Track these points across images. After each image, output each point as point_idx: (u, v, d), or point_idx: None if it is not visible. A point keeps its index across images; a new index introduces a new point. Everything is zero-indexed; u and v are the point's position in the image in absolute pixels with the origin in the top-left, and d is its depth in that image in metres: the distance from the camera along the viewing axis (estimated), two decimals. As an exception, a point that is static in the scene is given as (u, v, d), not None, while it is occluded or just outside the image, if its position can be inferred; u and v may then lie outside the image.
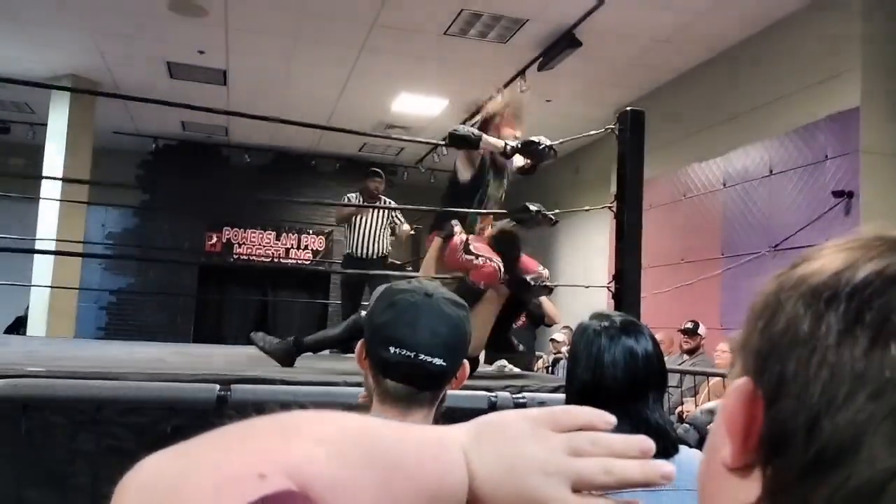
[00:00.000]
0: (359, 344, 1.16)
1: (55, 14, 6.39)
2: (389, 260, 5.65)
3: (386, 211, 5.47)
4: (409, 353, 1.08)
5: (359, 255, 5.43)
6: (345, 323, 3.43)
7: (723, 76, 6.45)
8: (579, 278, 8.25)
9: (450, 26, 6.28)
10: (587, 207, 3.83)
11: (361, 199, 5.50)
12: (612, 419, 0.47)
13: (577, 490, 0.44)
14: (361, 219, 5.45)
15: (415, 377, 1.10)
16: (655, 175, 6.49)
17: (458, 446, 0.46)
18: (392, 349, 1.08)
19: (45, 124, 8.11)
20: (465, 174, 3.38)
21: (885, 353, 0.33)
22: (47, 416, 1.70)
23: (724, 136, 6.29)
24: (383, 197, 5.59)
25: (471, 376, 3.33)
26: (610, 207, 3.05)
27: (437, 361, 1.09)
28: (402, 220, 5.65)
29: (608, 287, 3.03)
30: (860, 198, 4.88)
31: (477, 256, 3.08)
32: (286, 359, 3.00)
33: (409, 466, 0.44)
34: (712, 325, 5.92)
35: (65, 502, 1.62)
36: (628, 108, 3.06)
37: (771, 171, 5.74)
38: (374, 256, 5.43)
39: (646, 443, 0.45)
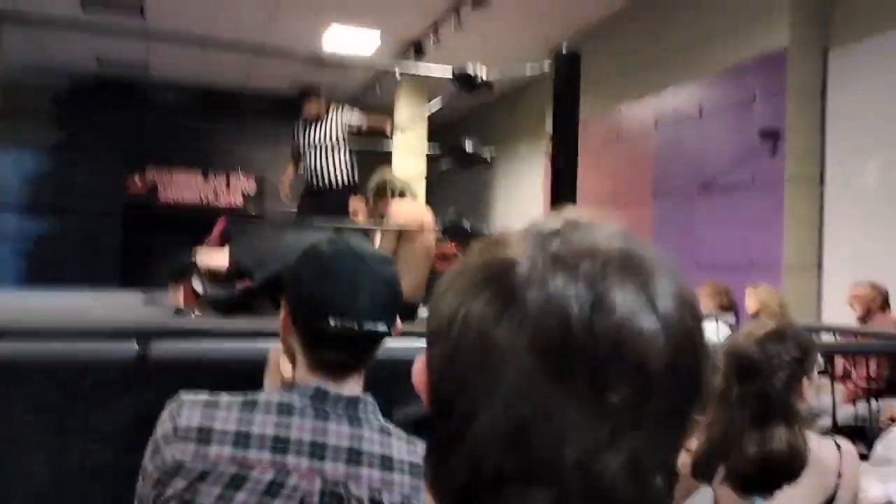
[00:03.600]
0: (282, 313, 1.09)
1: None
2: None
3: (334, 127, 4.80)
4: (351, 323, 1.02)
5: (316, 186, 4.83)
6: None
7: (656, 14, 6.44)
8: (515, 221, 8.31)
9: (381, -42, 6.04)
10: (522, 145, 3.80)
11: (303, 129, 4.95)
12: None
13: None
14: (308, 147, 4.86)
15: (357, 346, 1.05)
16: (589, 115, 6.51)
17: None
18: (332, 320, 1.01)
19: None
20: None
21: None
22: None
23: (657, 75, 6.32)
24: (334, 106, 4.96)
25: (410, 324, 3.30)
26: (545, 151, 3.03)
27: (381, 328, 1.05)
28: (360, 119, 4.94)
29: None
30: (786, 137, 5.01)
31: None
32: (224, 307, 2.92)
33: None
34: (643, 264, 6.06)
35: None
36: (563, 48, 3.00)
37: (701, 113, 5.82)
38: (333, 186, 4.82)
39: None
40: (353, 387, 1.06)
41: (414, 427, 1.01)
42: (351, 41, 8.05)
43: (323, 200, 4.70)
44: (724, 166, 5.44)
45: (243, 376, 1.06)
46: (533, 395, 0.38)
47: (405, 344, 1.96)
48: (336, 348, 1.04)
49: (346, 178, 4.86)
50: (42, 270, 9.61)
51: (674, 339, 0.39)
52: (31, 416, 1.63)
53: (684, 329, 0.40)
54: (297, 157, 5.02)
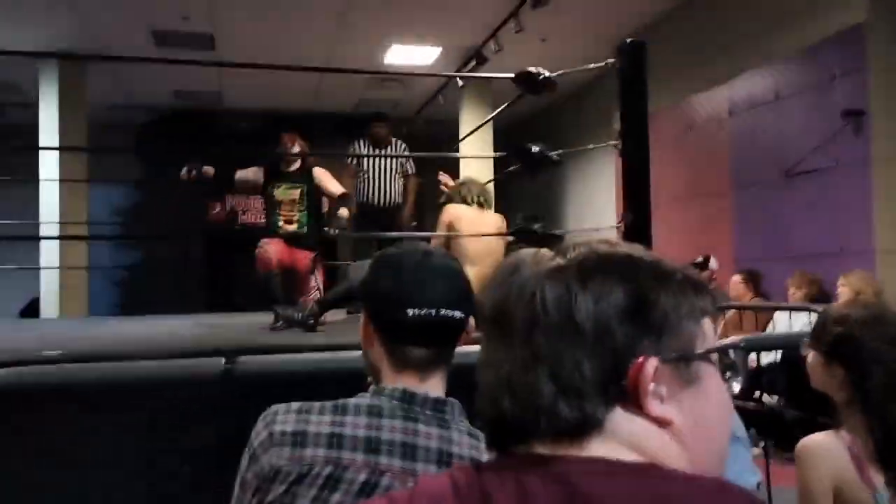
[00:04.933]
0: (361, 321, 1.12)
1: (33, -11, 6.24)
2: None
3: (395, 158, 5.15)
4: (429, 310, 1.05)
5: (371, 203, 5.11)
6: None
7: (721, 1, 6.25)
8: (587, 221, 8.19)
9: (437, -29, 6.09)
10: (591, 146, 3.74)
11: (370, 147, 5.19)
12: None
13: None
14: (370, 166, 5.15)
15: (436, 335, 1.07)
16: (659, 108, 6.37)
17: None
18: (410, 311, 1.05)
19: (36, 104, 8.01)
20: None
21: None
22: (58, 399, 1.68)
23: (727, 63, 6.12)
24: (396, 140, 5.27)
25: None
26: (615, 145, 2.96)
27: (458, 314, 1.08)
28: (412, 167, 5.29)
29: (617, 227, 2.96)
30: (871, 116, 4.75)
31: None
32: (308, 325, 2.98)
33: None
34: (725, 257, 5.86)
35: (81, 483, 1.61)
36: (628, 40, 2.94)
37: (777, 96, 5.60)
38: (387, 205, 5.13)
39: None
40: (436, 385, 1.07)
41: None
42: (411, 57, 8.14)
43: (379, 218, 4.97)
44: (805, 151, 5.21)
45: (326, 389, 1.07)
46: None
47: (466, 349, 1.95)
48: (417, 341, 1.06)
49: (398, 199, 5.20)
50: (133, 298, 10.07)
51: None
52: (126, 435, 1.69)
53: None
54: (356, 174, 5.20)
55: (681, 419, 0.57)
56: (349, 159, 5.29)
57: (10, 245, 6.77)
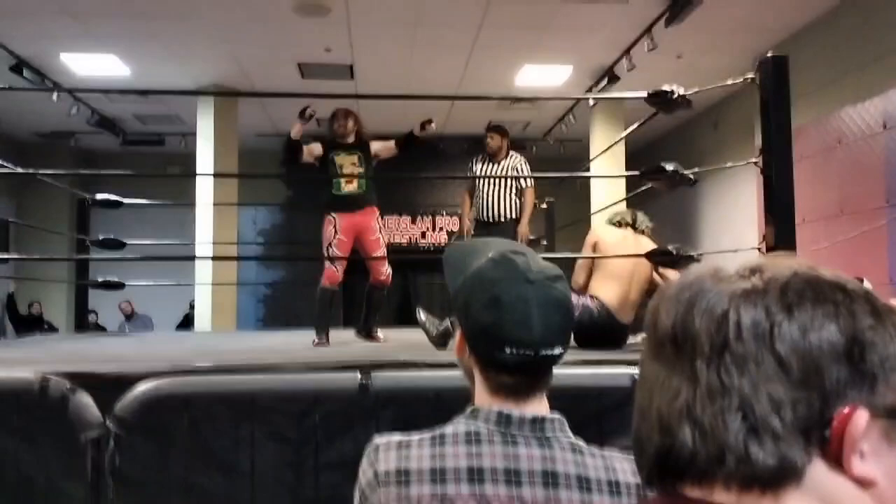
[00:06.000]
0: (457, 337, 1.09)
1: (193, 28, 6.82)
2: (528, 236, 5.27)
3: (509, 168, 5.10)
4: (528, 351, 1.01)
5: (485, 218, 5.15)
6: None
7: (873, 7, 5.83)
8: (726, 242, 7.83)
9: (568, -9, 6.09)
10: (729, 164, 3.60)
11: (486, 161, 5.23)
12: None
13: None
14: (483, 181, 5.18)
15: (535, 371, 1.04)
16: (803, 123, 6.01)
17: None
18: (508, 350, 1.00)
19: (195, 133, 8.72)
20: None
21: None
22: (211, 407, 1.82)
23: (880, 74, 5.70)
24: (514, 153, 5.25)
25: (615, 347, 3.20)
26: (756, 163, 2.84)
27: (558, 351, 1.03)
28: (529, 181, 5.20)
29: (759, 249, 2.83)
30: None
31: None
32: (441, 341, 3.03)
33: None
34: (880, 279, 5.42)
35: (230, 487, 1.73)
36: (769, 55, 2.83)
37: (940, 107, 5.14)
38: (501, 220, 5.11)
39: None
40: (536, 407, 1.05)
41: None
42: (542, 77, 8.16)
43: (493, 233, 4.91)
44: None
45: (454, 406, 1.09)
46: None
47: (612, 371, 1.93)
48: (514, 374, 1.03)
49: (514, 213, 5.15)
50: (276, 313, 10.65)
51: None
52: (270, 445, 1.80)
53: None
54: (472, 188, 5.29)
55: (885, 482, 0.49)
56: (469, 175, 5.35)
57: (169, 263, 7.37)
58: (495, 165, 5.19)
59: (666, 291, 0.56)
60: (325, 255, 4.21)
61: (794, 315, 0.50)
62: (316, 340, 4.06)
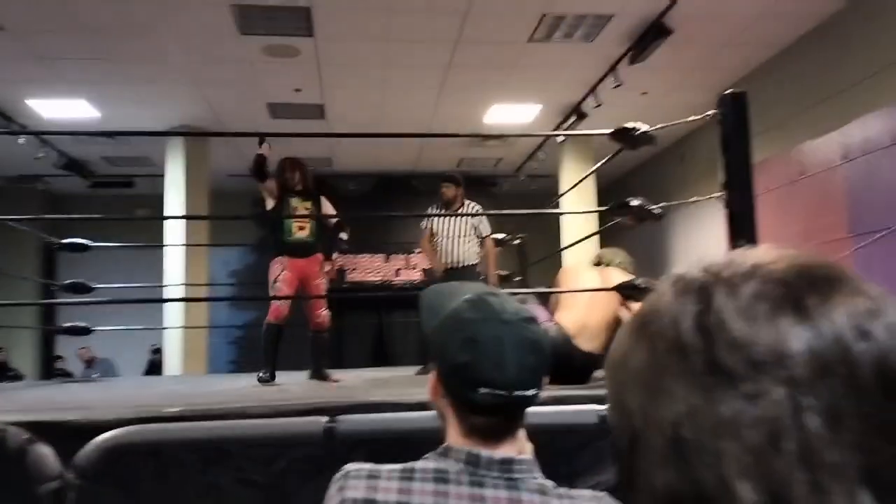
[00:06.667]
0: (431, 379, 1.09)
1: (162, 70, 6.83)
2: (485, 271, 5.24)
3: (465, 219, 5.13)
4: (501, 392, 1.00)
5: (448, 264, 5.17)
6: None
7: (830, 45, 6.04)
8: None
9: (534, 33, 6.22)
10: (694, 198, 3.66)
11: (441, 209, 5.23)
12: None
13: None
14: (441, 230, 5.18)
15: (508, 412, 1.04)
16: (767, 157, 6.16)
17: None
18: (481, 390, 1.00)
19: (163, 175, 8.67)
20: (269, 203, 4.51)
21: None
22: (177, 454, 1.78)
23: (837, 109, 5.88)
24: (469, 202, 5.25)
25: (582, 383, 3.18)
26: (719, 197, 2.89)
27: (531, 392, 1.03)
28: (486, 229, 5.21)
29: (725, 281, 2.86)
30: None
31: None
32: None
33: None
34: (848, 309, 5.51)
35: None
36: (728, 91, 2.90)
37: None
38: (459, 265, 5.13)
39: None
40: (508, 449, 1.04)
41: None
42: (511, 115, 8.28)
43: (457, 278, 4.85)
44: (932, 195, 4.88)
45: (425, 447, 1.08)
46: None
47: (581, 407, 1.92)
48: (487, 415, 1.03)
49: (469, 262, 5.17)
50: (248, 355, 10.50)
51: None
52: (238, 491, 1.76)
53: None
54: (431, 235, 5.29)
55: None
56: (422, 222, 5.34)
57: (137, 306, 7.26)
58: (451, 215, 5.18)
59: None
60: (271, 292, 4.46)
61: None
62: (260, 375, 4.26)
